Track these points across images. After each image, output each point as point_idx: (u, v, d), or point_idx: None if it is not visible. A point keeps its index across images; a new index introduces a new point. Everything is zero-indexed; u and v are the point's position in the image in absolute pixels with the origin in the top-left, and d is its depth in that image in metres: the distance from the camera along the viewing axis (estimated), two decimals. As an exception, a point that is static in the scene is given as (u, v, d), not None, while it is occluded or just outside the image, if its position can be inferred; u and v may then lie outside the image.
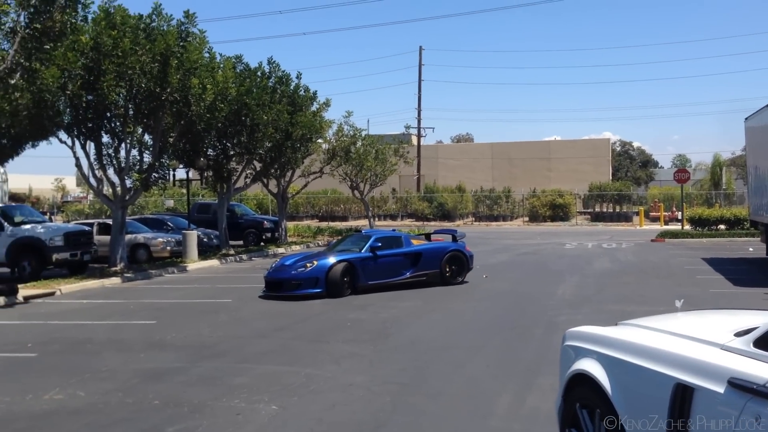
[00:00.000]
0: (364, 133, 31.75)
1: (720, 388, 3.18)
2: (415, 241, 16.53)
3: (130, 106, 19.16)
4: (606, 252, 25.00)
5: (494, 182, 56.64)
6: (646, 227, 40.26)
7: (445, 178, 56.91)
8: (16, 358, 9.64)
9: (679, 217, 37.90)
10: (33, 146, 33.58)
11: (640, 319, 4.58)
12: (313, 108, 27.73)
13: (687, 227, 33.20)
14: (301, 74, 26.53)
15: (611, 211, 48.00)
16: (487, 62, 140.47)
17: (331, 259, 14.57)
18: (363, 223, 38.79)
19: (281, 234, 29.20)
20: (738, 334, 3.50)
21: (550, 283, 16.37)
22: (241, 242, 28.99)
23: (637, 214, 44.18)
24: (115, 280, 18.34)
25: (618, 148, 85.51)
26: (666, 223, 40.98)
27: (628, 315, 8.23)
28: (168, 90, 18.68)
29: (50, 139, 22.55)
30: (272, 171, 27.20)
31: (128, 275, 18.89)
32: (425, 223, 44.65)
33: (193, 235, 22.68)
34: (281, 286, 14.50)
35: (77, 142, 19.88)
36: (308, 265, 14.45)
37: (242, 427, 6.43)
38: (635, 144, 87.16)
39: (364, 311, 12.90)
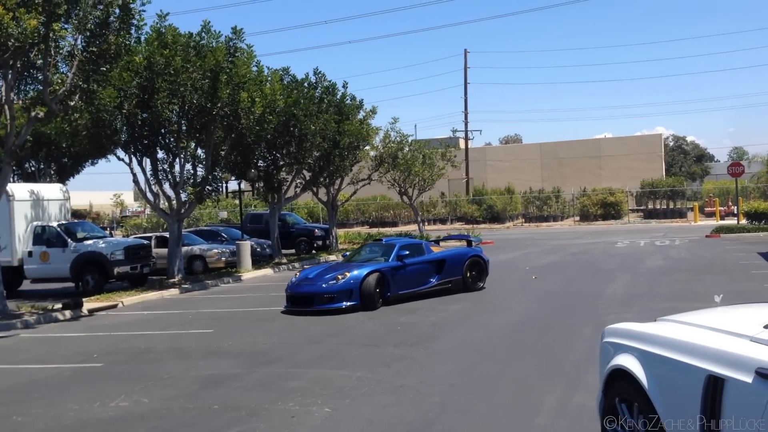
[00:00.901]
0: (410, 139, 31.98)
1: (749, 378, 3.30)
2: (434, 248, 16.18)
3: (183, 122, 19.78)
4: (658, 249, 24.69)
5: (543, 183, 56.26)
6: (701, 223, 39.50)
7: (494, 180, 56.75)
8: (83, 368, 10.13)
9: (735, 212, 37.08)
10: (92, 164, 34.86)
11: (678, 315, 4.69)
12: (360, 116, 28.11)
13: (743, 222, 32.49)
14: (347, 83, 26.93)
15: (664, 207, 47.17)
16: (533, 62, 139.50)
17: (364, 270, 13.94)
18: (413, 228, 38.98)
19: (332, 241, 29.61)
20: (767, 326, 3.60)
21: (601, 282, 16.32)
22: (293, 251, 29.52)
23: (692, 209, 43.37)
24: (174, 291, 18.94)
25: (671, 144, 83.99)
26: (722, 219, 40.12)
27: (678, 312, 8.26)
28: (218, 105, 19.23)
29: (108, 156, 23.49)
30: (321, 180, 27.63)
31: (186, 286, 19.48)
32: (475, 226, 44.58)
33: (246, 246, 23.23)
34: (312, 300, 13.78)
35: (134, 159, 20.58)
36: (339, 277, 13.80)
37: (297, 429, 6.71)
38: (689, 138, 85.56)
39: (414, 315, 13.11)
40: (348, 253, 16.95)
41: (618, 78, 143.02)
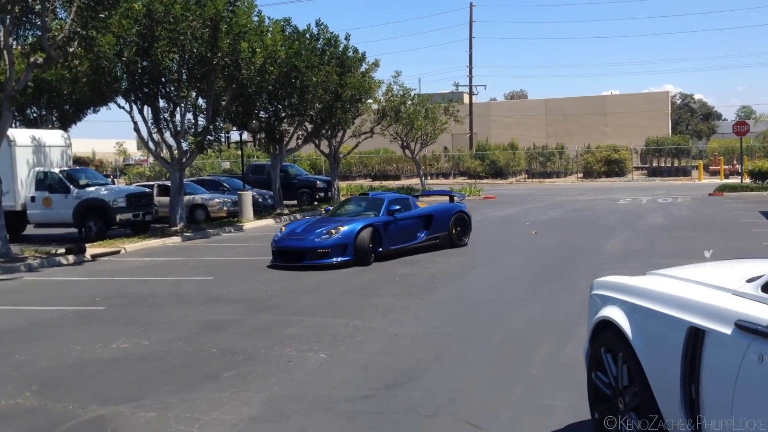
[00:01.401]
0: (413, 93, 31.79)
1: (728, 330, 3.38)
2: (420, 204, 15.82)
3: (183, 71, 19.67)
4: (660, 207, 24.73)
5: (548, 139, 55.98)
6: (705, 181, 39.45)
7: (498, 136, 56.49)
8: (86, 311, 10.30)
9: (740, 171, 37.02)
10: (94, 111, 34.73)
11: (667, 269, 4.75)
12: (362, 69, 27.89)
13: (747, 181, 32.44)
14: (349, 36, 26.68)
15: (669, 165, 47.08)
16: (540, 17, 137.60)
17: (358, 225, 13.52)
18: (415, 181, 38.99)
19: (334, 193, 29.67)
20: (750, 280, 3.67)
21: (600, 238, 16.41)
22: (294, 202, 29.62)
23: (696, 168, 43.26)
24: (176, 239, 19.08)
25: (678, 102, 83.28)
26: (726, 177, 40.06)
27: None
28: (219, 54, 19.09)
29: (110, 104, 23.43)
30: (323, 132, 27.57)
31: (188, 234, 19.62)
32: (477, 180, 44.60)
33: (248, 196, 23.32)
34: (304, 255, 13.29)
35: (135, 107, 20.53)
36: (333, 231, 13.38)
37: (293, 373, 6.86)
38: (696, 96, 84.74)
39: (413, 267, 13.25)
40: (330, 208, 16.69)
41: (626, 34, 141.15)
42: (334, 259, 13.20)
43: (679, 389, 3.74)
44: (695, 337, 3.64)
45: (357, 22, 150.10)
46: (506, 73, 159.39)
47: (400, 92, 31.32)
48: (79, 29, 15.72)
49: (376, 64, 29.29)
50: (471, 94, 58.68)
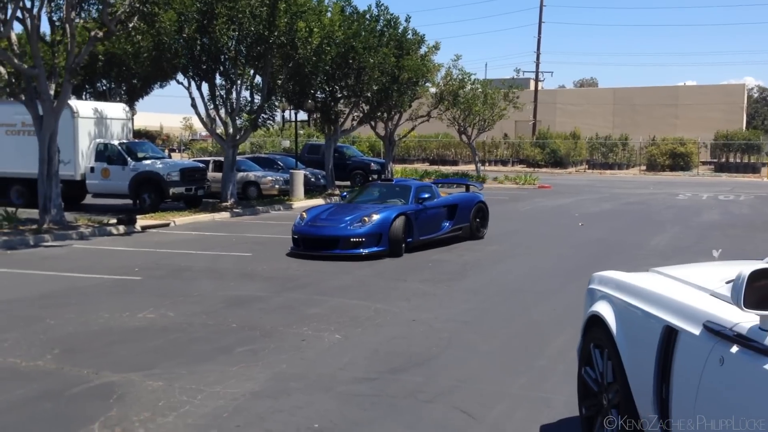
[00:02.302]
0: (473, 77, 31.49)
1: (697, 331, 3.28)
2: (442, 193, 15.05)
3: (240, 48, 19.94)
4: (720, 204, 23.94)
5: (615, 129, 54.63)
6: (773, 180, 37.94)
7: (563, 125, 55.47)
8: (123, 280, 10.64)
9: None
10: (161, 86, 35.53)
11: (668, 267, 4.62)
12: (422, 51, 27.74)
13: (818, 181, 31.04)
14: (410, 17, 26.50)
15: (738, 161, 45.37)
16: (615, 2, 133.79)
17: (392, 213, 12.76)
18: (471, 167, 38.66)
19: (387, 176, 29.70)
20: (729, 281, 3.54)
21: (647, 234, 16.00)
22: (348, 183, 29.78)
23: (765, 165, 41.61)
24: (225, 215, 19.47)
25: (755, 95, 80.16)
26: (797, 177, 38.42)
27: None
28: (275, 33, 19.27)
29: (170, 80, 23.98)
30: (379, 114, 27.59)
31: (237, 210, 19.99)
32: (536, 169, 43.97)
33: (300, 175, 23.58)
34: (336, 243, 12.44)
35: (193, 84, 20.96)
36: (366, 219, 12.55)
37: (303, 352, 6.96)
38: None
39: (448, 253, 13.21)
40: (347, 194, 15.80)
41: (706, 23, 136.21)
42: (365, 249, 12.38)
43: (652, 388, 3.66)
44: (669, 336, 3.55)
45: (420, 4, 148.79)
46: (577, 60, 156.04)
47: (459, 76, 31.04)
48: (138, 5, 16.12)
49: (436, 47, 29.10)
50: (537, 80, 57.72)
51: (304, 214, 13.38)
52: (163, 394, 5.75)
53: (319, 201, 23.44)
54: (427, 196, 13.88)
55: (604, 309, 4.34)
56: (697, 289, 3.67)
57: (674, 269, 4.51)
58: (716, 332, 3.11)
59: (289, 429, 5.11)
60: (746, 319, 3.01)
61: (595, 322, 4.48)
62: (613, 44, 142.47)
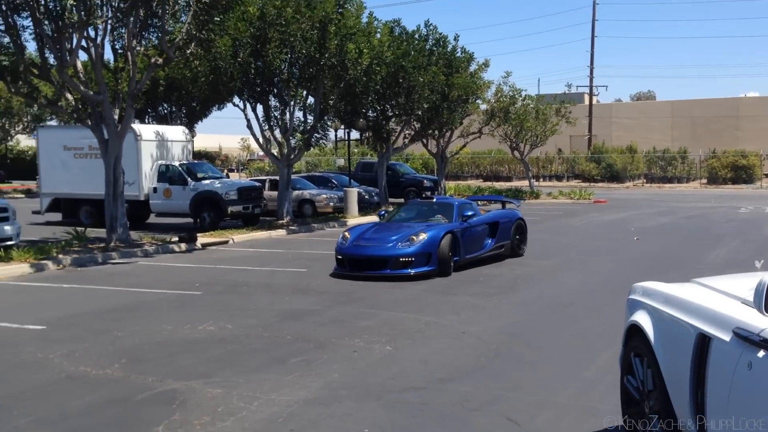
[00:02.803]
0: (524, 93, 31.50)
1: (727, 337, 3.40)
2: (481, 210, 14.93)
3: (293, 71, 20.49)
4: (782, 217, 23.36)
5: (673, 142, 53.62)
6: (841, 192, 36.74)
7: (619, 139, 54.73)
8: (184, 295, 11.07)
9: None
10: (219, 109, 36.57)
11: (708, 278, 4.71)
12: (472, 69, 27.96)
13: None
14: (458, 36, 26.86)
15: (803, 174, 44.05)
16: (671, 15, 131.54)
17: (440, 231, 12.43)
18: (524, 183, 38.49)
19: (440, 193, 29.90)
20: (761, 289, 3.64)
21: (705, 248, 15.80)
22: (402, 200, 30.01)
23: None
24: (281, 232, 19.94)
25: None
26: None
27: None
28: (326, 55, 19.74)
29: (227, 102, 24.71)
30: (430, 131, 27.85)
31: (293, 228, 20.45)
32: (592, 184, 43.51)
33: (353, 192, 23.96)
34: (385, 263, 12.08)
35: (248, 106, 21.59)
36: (414, 237, 12.23)
37: (355, 363, 7.20)
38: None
39: (499, 268, 13.31)
40: (385, 212, 15.57)
41: (766, 34, 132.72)
42: (414, 269, 12.01)
43: (688, 394, 3.77)
44: (703, 343, 3.67)
45: (470, 22, 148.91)
46: (633, 73, 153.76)
47: (510, 93, 31.09)
48: (195, 32, 16.79)
49: (486, 65, 29.30)
50: (591, 94, 57.16)
51: (346, 233, 13.08)
52: (222, 401, 6.05)
53: (372, 218, 23.70)
54: (470, 213, 13.48)
55: (642, 318, 4.46)
56: (729, 298, 3.78)
57: (714, 279, 4.61)
58: (744, 338, 3.23)
59: (341, 434, 5.34)
60: (774, 324, 3.13)
61: (635, 332, 4.60)
62: (671, 57, 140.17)
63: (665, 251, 15.41)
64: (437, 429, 5.43)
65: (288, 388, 6.39)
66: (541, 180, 46.43)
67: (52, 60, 15.91)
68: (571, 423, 5.48)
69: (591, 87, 56.57)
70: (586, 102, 56.49)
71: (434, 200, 15.08)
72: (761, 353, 3.09)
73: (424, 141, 29.13)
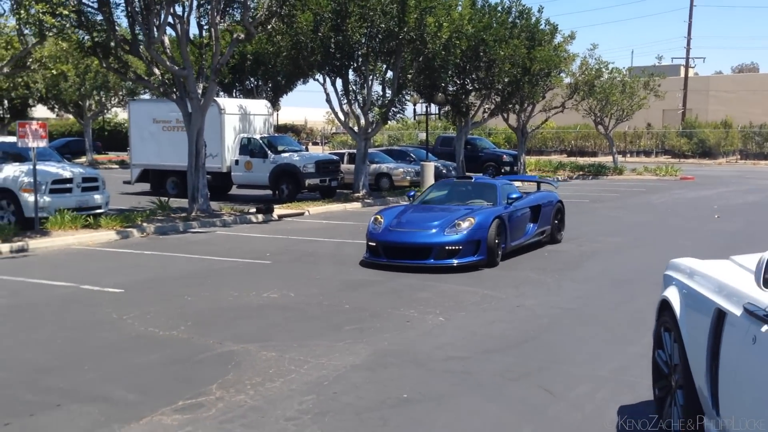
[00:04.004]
0: (611, 66, 30.66)
1: (739, 312, 3.42)
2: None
3: (373, 44, 20.66)
4: None
5: (777, 117, 50.93)
6: None
7: (716, 113, 52.45)
8: (254, 263, 11.54)
9: None
10: (304, 83, 37.21)
11: (745, 256, 4.66)
12: (557, 41, 27.41)
13: None
14: (542, 8, 26.43)
15: None
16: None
17: (490, 216, 11.08)
18: (609, 159, 37.55)
19: (520, 168, 29.61)
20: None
21: (790, 228, 15.18)
22: (480, 175, 29.93)
23: None
24: (356, 205, 20.30)
25: None
26: None
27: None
28: (405, 29, 19.81)
29: (310, 77, 25.17)
30: (510, 106, 27.55)
31: (368, 201, 20.78)
32: (682, 160, 42.05)
33: (430, 166, 24.05)
34: (429, 252, 10.67)
35: (328, 80, 21.96)
36: (461, 223, 10.82)
37: (406, 332, 7.42)
38: None
39: (567, 243, 13.19)
40: (414, 192, 14.01)
41: None
42: (460, 259, 10.65)
43: (705, 369, 3.80)
44: (719, 318, 3.69)
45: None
46: (734, 44, 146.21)
47: (596, 66, 30.32)
48: (276, 8, 17.19)
49: (572, 37, 28.70)
50: (687, 66, 55.00)
51: (378, 217, 11.65)
52: (274, 363, 6.39)
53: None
54: (516, 196, 12.11)
55: (672, 294, 4.48)
56: (750, 274, 3.76)
57: (749, 257, 4.55)
58: (751, 313, 3.25)
59: (380, 396, 5.59)
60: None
61: (665, 307, 4.61)
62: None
63: (745, 230, 14.89)
64: (473, 396, 5.59)
65: (338, 353, 6.66)
66: (628, 156, 45.20)
67: (141, 36, 16.64)
68: (606, 395, 5.53)
69: (687, 59, 54.44)
70: (682, 75, 54.35)
71: (473, 180, 13.64)
72: (765, 328, 3.11)
73: (505, 115, 28.86)
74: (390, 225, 11.28)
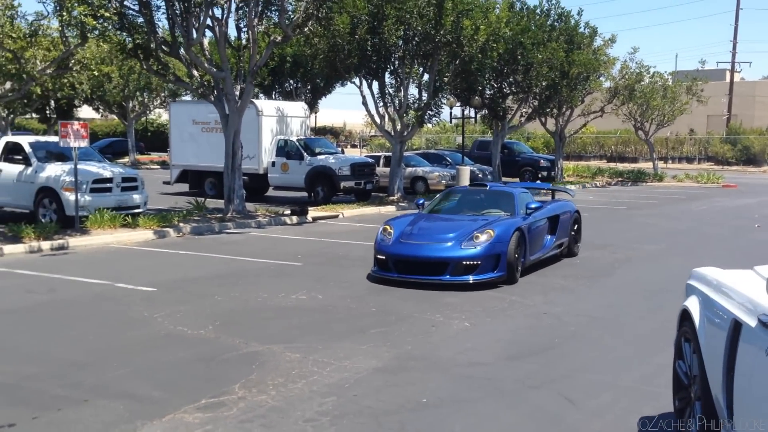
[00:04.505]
0: (652, 70, 30.21)
1: (754, 324, 3.37)
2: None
3: (409, 47, 20.71)
4: None
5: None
6: None
7: (762, 119, 51.23)
8: (285, 265, 11.65)
9: None
10: (342, 85, 37.45)
11: (766, 266, 4.58)
12: (597, 44, 27.14)
13: None
14: (582, 10, 26.01)
15: None
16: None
17: (510, 228, 10.16)
18: (649, 165, 36.96)
19: (557, 173, 29.36)
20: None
21: (832, 238, 14.78)
22: (517, 179, 29.74)
23: None
24: (391, 208, 20.34)
25: None
26: None
27: None
28: (441, 32, 19.81)
29: (347, 80, 25.30)
30: (548, 110, 27.34)
31: (402, 204, 20.81)
32: (725, 167, 41.19)
33: (465, 170, 23.98)
34: (445, 267, 9.71)
35: (364, 83, 22.05)
36: (479, 235, 9.88)
37: (430, 336, 7.44)
38: None
39: (601, 250, 13.05)
40: (423, 200, 12.54)
41: None
42: (477, 276, 9.68)
43: (722, 380, 3.75)
44: (736, 329, 3.64)
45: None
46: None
47: (637, 70, 29.90)
48: (312, 10, 17.35)
49: (612, 40, 28.43)
50: (733, 71, 53.91)
51: (388, 227, 10.66)
52: (297, 365, 6.46)
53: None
54: (535, 206, 11.14)
55: (692, 304, 4.44)
56: (768, 285, 3.71)
57: (770, 268, 4.48)
58: (765, 324, 3.21)
59: (399, 400, 5.61)
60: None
61: (686, 317, 4.56)
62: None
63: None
64: (493, 402, 5.59)
65: (361, 356, 6.71)
66: (670, 162, 44.46)
67: (181, 39, 16.93)
68: (627, 405, 5.48)
69: (733, 63, 53.39)
70: (727, 79, 53.28)
71: (488, 188, 12.56)
72: (778, 341, 3.07)
73: (542, 119, 28.63)
74: (401, 236, 10.31)
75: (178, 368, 6.44)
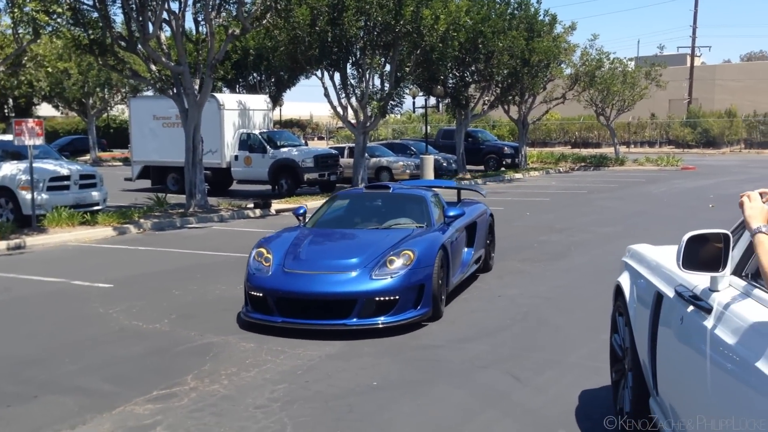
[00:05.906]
0: (611, 57, 30.61)
1: (672, 294, 3.51)
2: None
3: (370, 38, 20.72)
4: None
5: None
6: None
7: (722, 102, 52.14)
8: (245, 258, 11.60)
9: None
10: (306, 77, 37.35)
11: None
12: (557, 32, 27.40)
13: None
14: (541, -1, 26.24)
15: None
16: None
17: (435, 246, 7.59)
18: (610, 150, 37.48)
19: (521, 160, 29.64)
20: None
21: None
22: (481, 167, 29.97)
23: None
24: (355, 199, 20.36)
25: None
26: None
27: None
28: (401, 22, 19.86)
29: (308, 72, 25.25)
30: (510, 97, 27.56)
31: (366, 195, 20.84)
32: (686, 150, 41.94)
33: (429, 159, 24.14)
34: (351, 306, 6.97)
35: (326, 74, 22.03)
36: (394, 259, 7.20)
37: (385, 321, 7.50)
38: None
39: (559, 234, 13.25)
40: (304, 209, 9.42)
41: None
42: (393, 317, 7.02)
43: (647, 351, 3.89)
44: (658, 301, 3.78)
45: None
46: (743, 32, 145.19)
47: (597, 56, 30.27)
48: (270, 2, 17.28)
49: (572, 27, 28.71)
50: (693, 56, 54.74)
51: (264, 250, 7.80)
52: (251, 354, 6.51)
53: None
54: (455, 213, 8.73)
55: (624, 279, 4.58)
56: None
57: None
58: (680, 295, 3.34)
59: (350, 385, 5.70)
60: (705, 283, 3.22)
61: (619, 292, 4.70)
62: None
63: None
64: (441, 383, 5.70)
65: (316, 344, 6.77)
66: (632, 146, 45.14)
67: (137, 33, 16.77)
68: (571, 381, 5.63)
69: (693, 48, 54.16)
70: (688, 64, 54.11)
71: (391, 190, 9.53)
72: (690, 308, 3.20)
73: (505, 107, 28.86)
74: (284, 263, 7.47)
75: (131, 362, 6.45)
